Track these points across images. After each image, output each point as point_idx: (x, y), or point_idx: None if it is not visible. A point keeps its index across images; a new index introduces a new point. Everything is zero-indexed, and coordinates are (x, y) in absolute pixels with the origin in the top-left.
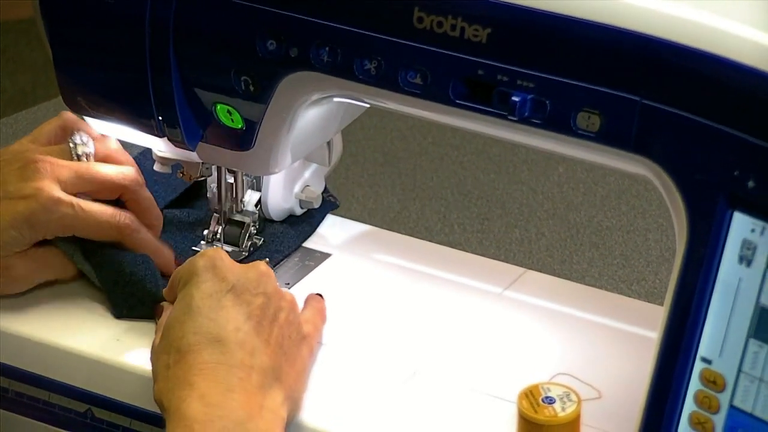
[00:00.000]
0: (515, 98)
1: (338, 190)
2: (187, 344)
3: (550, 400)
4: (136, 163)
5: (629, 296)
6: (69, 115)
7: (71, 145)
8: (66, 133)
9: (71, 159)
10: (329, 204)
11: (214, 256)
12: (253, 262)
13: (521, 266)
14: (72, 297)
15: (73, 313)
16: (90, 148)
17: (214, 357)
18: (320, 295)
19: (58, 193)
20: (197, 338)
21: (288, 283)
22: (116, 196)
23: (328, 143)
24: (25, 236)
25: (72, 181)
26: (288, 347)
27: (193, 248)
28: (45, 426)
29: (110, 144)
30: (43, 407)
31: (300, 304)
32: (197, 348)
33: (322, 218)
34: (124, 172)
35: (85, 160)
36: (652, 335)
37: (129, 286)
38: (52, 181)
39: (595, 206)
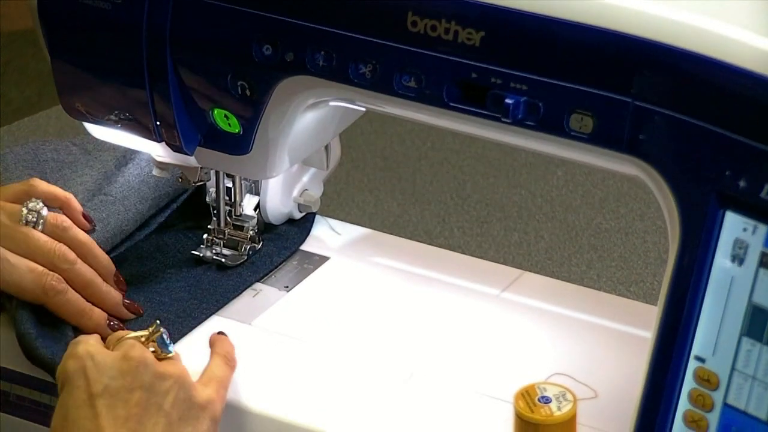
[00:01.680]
0: (509, 101)
1: (338, 194)
2: None
3: (546, 400)
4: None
5: (627, 298)
6: (39, 183)
7: (23, 208)
8: (28, 197)
9: (18, 221)
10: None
11: (84, 356)
12: (132, 347)
13: (520, 268)
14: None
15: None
16: (41, 216)
17: None
18: (222, 333)
19: None
20: None
21: (287, 286)
22: (47, 267)
23: (326, 147)
24: None
25: (5, 237)
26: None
27: (193, 252)
28: (47, 429)
29: (59, 221)
30: (45, 411)
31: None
32: None
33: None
34: (57, 248)
35: (30, 227)
36: (648, 335)
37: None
38: None
39: (593, 209)
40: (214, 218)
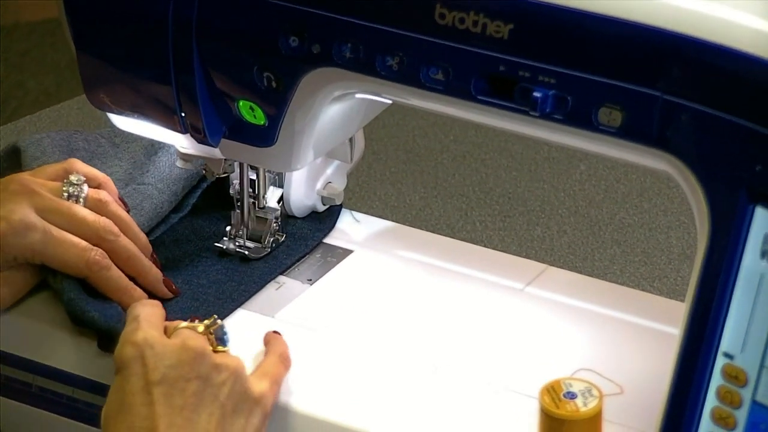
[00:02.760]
0: (537, 94)
1: (360, 187)
2: None
3: (572, 396)
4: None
5: (651, 293)
6: (77, 162)
7: (65, 183)
8: (66, 176)
9: (60, 196)
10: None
11: (142, 343)
12: (191, 337)
13: (542, 263)
14: (65, 317)
15: (66, 334)
16: (82, 192)
17: None
18: (277, 333)
19: (31, 217)
20: None
21: (310, 279)
22: (90, 240)
23: (350, 140)
24: None
25: (48, 211)
26: (231, 425)
27: (216, 244)
28: (69, 422)
29: (102, 195)
30: (68, 402)
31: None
32: None
33: (338, 215)
34: (101, 220)
35: (72, 201)
36: (674, 331)
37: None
38: (28, 206)
39: (616, 203)
40: (238, 210)
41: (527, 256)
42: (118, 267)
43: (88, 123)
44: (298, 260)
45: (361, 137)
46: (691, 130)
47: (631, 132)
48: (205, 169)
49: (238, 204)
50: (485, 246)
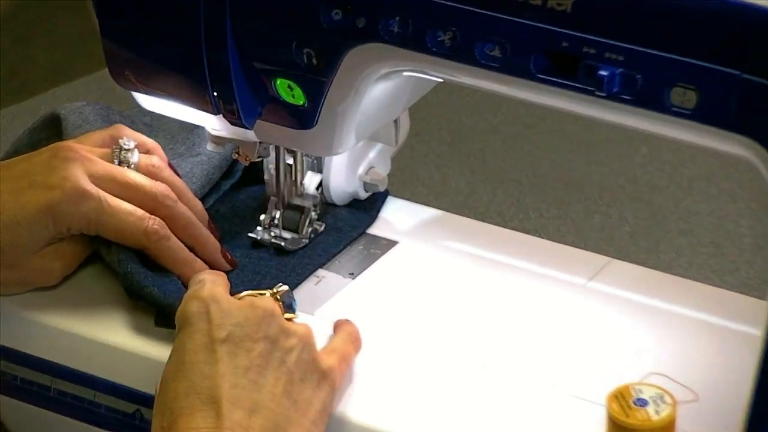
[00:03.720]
0: (603, 72)
1: (402, 172)
2: (180, 407)
3: (643, 403)
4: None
5: (722, 288)
6: (124, 128)
7: (115, 149)
8: (114, 142)
9: (111, 162)
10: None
11: (208, 299)
12: (259, 297)
13: (602, 255)
14: (118, 290)
15: (120, 309)
16: (134, 158)
17: (208, 422)
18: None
19: (86, 185)
20: (189, 400)
21: (352, 273)
22: (147, 208)
23: (395, 121)
24: (49, 229)
25: (102, 178)
26: (298, 394)
27: (249, 235)
28: (89, 427)
29: (154, 160)
30: (88, 407)
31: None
32: (189, 411)
33: (383, 203)
34: (158, 186)
35: (125, 166)
36: (754, 331)
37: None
38: (81, 173)
39: (682, 189)
40: (273, 198)
41: (585, 248)
42: (178, 237)
43: (109, 102)
44: (338, 252)
45: (406, 118)
46: None
47: (706, 114)
48: (237, 154)
49: (274, 192)
50: (539, 236)
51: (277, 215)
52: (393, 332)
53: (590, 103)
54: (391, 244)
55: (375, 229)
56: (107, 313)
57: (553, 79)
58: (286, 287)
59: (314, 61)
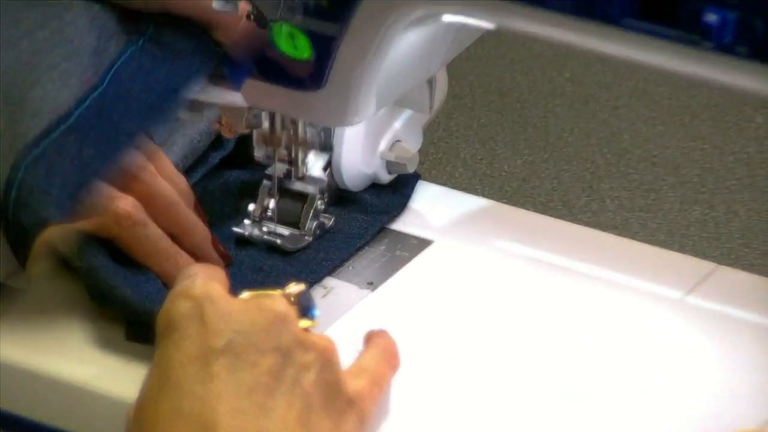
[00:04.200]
0: (710, 17)
1: (437, 147)
2: None
3: None
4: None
5: None
6: None
7: None
8: None
9: None
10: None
11: (202, 298)
12: (268, 297)
13: (705, 258)
14: (79, 294)
15: (80, 319)
16: None
17: None
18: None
19: None
20: (175, 428)
21: (371, 283)
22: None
23: (429, 81)
24: None
25: None
26: (317, 425)
27: (235, 230)
28: None
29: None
30: None
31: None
32: None
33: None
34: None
35: None
36: None
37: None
38: None
39: None
40: (266, 182)
41: (680, 249)
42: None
43: None
44: (353, 254)
45: (443, 77)
46: None
47: None
48: (220, 124)
49: (268, 173)
50: (620, 234)
51: (271, 205)
52: (425, 357)
53: (693, 58)
54: (423, 244)
55: (401, 224)
56: (61, 327)
57: (644, 26)
58: (302, 286)
59: (323, 1)
